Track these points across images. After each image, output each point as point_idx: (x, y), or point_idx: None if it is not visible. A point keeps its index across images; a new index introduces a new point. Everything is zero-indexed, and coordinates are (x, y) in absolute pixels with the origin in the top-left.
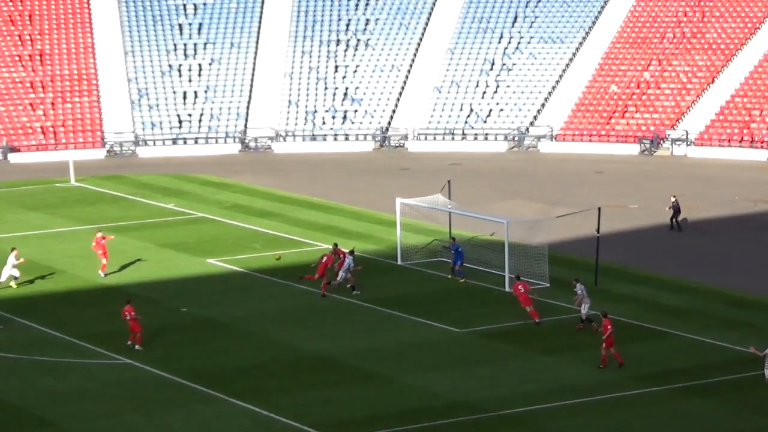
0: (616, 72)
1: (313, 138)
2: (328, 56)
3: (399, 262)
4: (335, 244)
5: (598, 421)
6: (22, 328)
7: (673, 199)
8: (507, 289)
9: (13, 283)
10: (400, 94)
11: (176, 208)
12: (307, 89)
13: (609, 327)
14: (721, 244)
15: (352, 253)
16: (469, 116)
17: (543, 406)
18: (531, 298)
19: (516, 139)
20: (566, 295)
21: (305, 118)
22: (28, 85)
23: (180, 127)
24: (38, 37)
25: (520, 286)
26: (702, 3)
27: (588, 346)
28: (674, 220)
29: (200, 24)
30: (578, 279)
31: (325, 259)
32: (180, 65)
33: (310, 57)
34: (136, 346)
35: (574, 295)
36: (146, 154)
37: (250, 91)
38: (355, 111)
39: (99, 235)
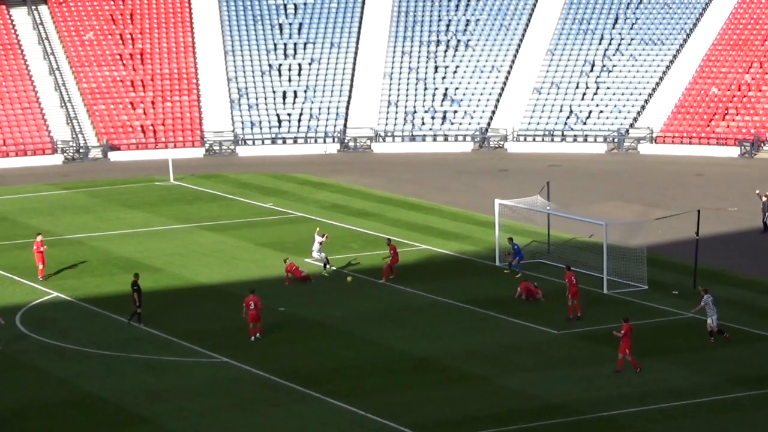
0: (716, 74)
1: (412, 138)
2: (428, 57)
3: (497, 263)
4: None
5: (695, 425)
6: (121, 326)
7: (765, 199)
8: (605, 291)
9: (325, 272)
10: (500, 95)
11: (274, 208)
12: (407, 89)
13: (624, 331)
14: None
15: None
16: (568, 118)
17: (640, 408)
18: (578, 290)
19: (615, 141)
20: (664, 298)
21: (404, 119)
22: (128, 83)
23: (279, 127)
24: (139, 36)
25: (573, 277)
26: None
27: (686, 350)
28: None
29: (300, 24)
30: (707, 290)
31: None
32: (280, 65)
33: (410, 57)
34: (258, 335)
35: (697, 305)
36: (245, 153)
37: (350, 91)
38: (455, 112)
39: (39, 238)
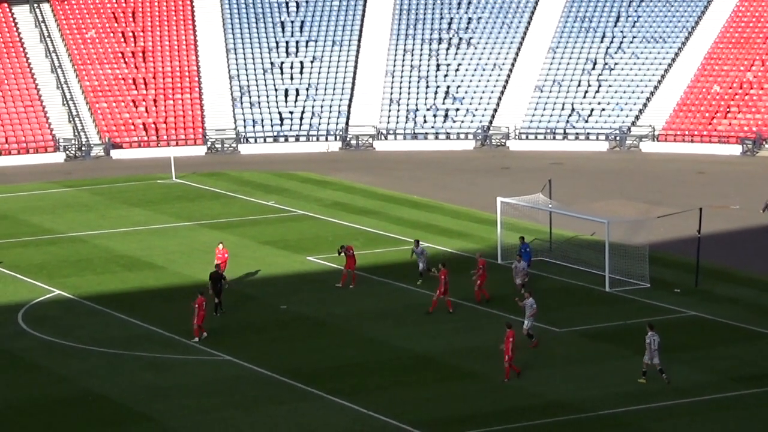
0: (718, 72)
1: (414, 136)
2: (429, 54)
3: (499, 261)
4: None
5: (698, 423)
6: (123, 323)
7: None
8: (607, 289)
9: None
10: (502, 93)
11: (277, 206)
12: (409, 87)
13: (511, 339)
14: None
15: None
16: (570, 115)
17: (642, 406)
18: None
19: (617, 138)
20: (666, 296)
21: (406, 117)
22: (130, 81)
23: (281, 125)
24: (141, 34)
25: (482, 264)
26: None
27: (688, 348)
28: None
29: (302, 22)
30: (652, 326)
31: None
32: (282, 63)
33: (412, 55)
34: (204, 334)
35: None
36: (247, 151)
37: (352, 89)
38: (457, 110)
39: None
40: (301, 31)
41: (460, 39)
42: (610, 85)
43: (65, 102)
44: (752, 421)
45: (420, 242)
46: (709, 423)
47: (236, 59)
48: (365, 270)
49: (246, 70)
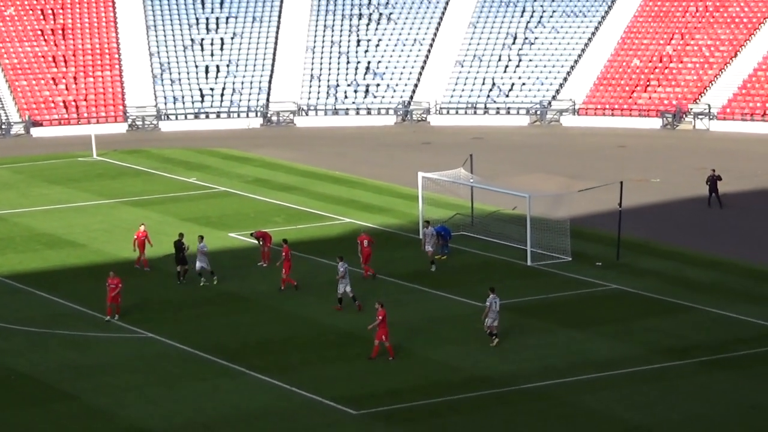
0: (638, 46)
1: (335, 112)
2: (350, 30)
3: (421, 236)
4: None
5: (621, 395)
6: (45, 302)
7: (711, 173)
8: (529, 263)
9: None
10: (422, 68)
11: (198, 182)
12: (329, 63)
13: (381, 317)
14: (744, 219)
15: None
16: (491, 90)
17: (566, 380)
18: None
19: (538, 113)
20: (588, 270)
21: (327, 92)
22: (50, 59)
23: (202, 102)
24: (60, 11)
25: (365, 241)
26: None
27: (610, 321)
28: (713, 194)
29: None
30: (493, 288)
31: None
32: (202, 39)
33: (332, 31)
34: (116, 316)
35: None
36: (168, 128)
37: (272, 65)
38: (377, 85)
39: None
40: (221, 7)
41: (380, 14)
42: (530, 60)
43: None
44: (674, 393)
45: (429, 223)
46: (632, 395)
47: (156, 36)
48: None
49: (166, 46)
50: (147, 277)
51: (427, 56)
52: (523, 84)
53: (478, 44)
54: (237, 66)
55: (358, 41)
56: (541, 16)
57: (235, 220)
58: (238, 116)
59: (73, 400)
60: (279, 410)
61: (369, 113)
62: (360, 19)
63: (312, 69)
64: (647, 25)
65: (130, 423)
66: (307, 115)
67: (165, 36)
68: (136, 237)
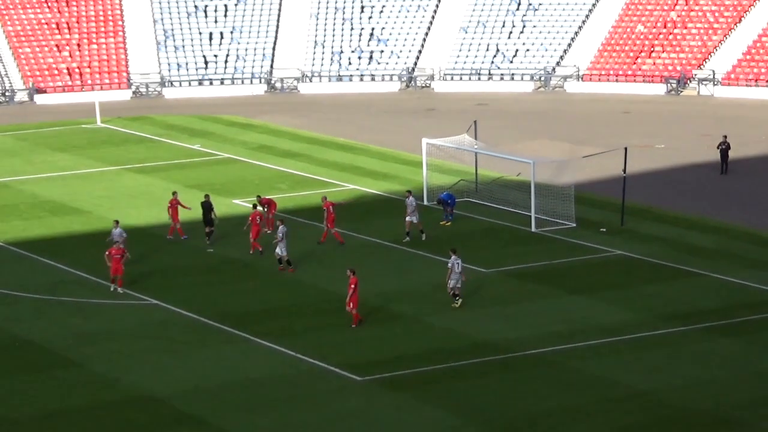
0: (642, 11)
1: (339, 79)
2: None
3: (425, 202)
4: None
5: (625, 361)
6: (49, 269)
7: (723, 139)
8: (533, 229)
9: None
10: (427, 34)
11: (202, 149)
12: (333, 30)
13: (353, 286)
14: (748, 185)
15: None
16: (495, 56)
17: (570, 345)
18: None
19: (542, 79)
20: (592, 236)
21: (331, 59)
22: (54, 26)
23: (206, 68)
24: None
25: (331, 206)
26: None
27: (614, 287)
28: (725, 162)
29: None
30: (454, 250)
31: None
32: (206, 6)
33: None
34: (119, 289)
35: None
36: (172, 95)
37: (276, 31)
38: (381, 51)
39: None
40: None
41: None
42: (534, 26)
43: None
44: (678, 358)
45: (411, 193)
46: (636, 361)
47: (159, 3)
48: (291, 213)
49: (170, 13)
50: (152, 245)
51: (431, 22)
52: (528, 50)
53: (482, 10)
54: (241, 33)
55: (362, 7)
56: None
57: (239, 187)
58: (242, 83)
59: (78, 367)
60: (283, 377)
61: (373, 80)
62: None
63: (316, 35)
64: None
65: (134, 390)
66: (311, 81)
67: (169, 2)
68: (169, 205)
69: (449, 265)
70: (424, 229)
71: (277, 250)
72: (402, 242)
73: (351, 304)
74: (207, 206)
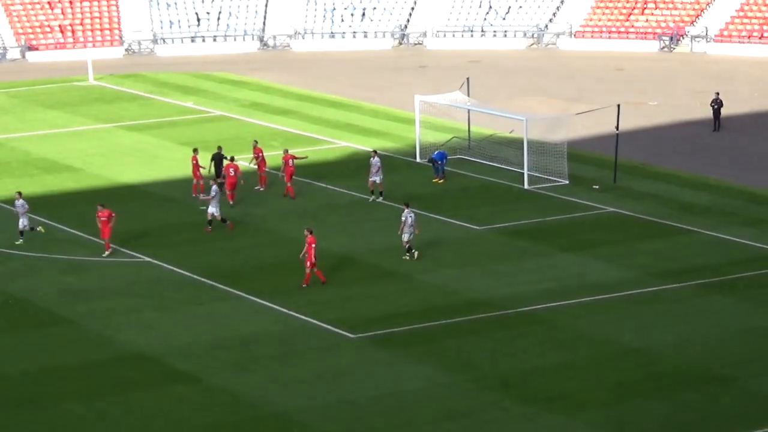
0: None
1: (332, 36)
2: None
3: (418, 159)
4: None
5: (617, 318)
6: (43, 226)
7: (716, 96)
8: (526, 186)
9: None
10: None
11: (195, 107)
12: None
13: (313, 245)
14: (741, 142)
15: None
16: (488, 13)
17: (562, 303)
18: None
19: (535, 36)
20: (585, 192)
21: (324, 16)
22: None
23: (198, 25)
24: None
25: (291, 160)
26: None
27: (607, 244)
28: (717, 118)
29: None
30: (407, 204)
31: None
32: None
33: None
34: (105, 253)
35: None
36: (164, 52)
37: None
38: (374, 8)
39: None
40: None
41: None
42: None
43: None
44: (670, 315)
45: (377, 152)
46: (628, 318)
47: None
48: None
49: None
50: (144, 202)
51: None
52: (520, 7)
53: None
54: None
55: None
56: None
57: (232, 144)
58: (235, 40)
59: (71, 325)
60: (276, 334)
61: (365, 37)
62: None
63: None
64: None
65: (127, 347)
66: (303, 38)
67: None
68: (194, 163)
69: (402, 218)
70: (384, 191)
71: (210, 209)
72: (368, 202)
73: (308, 264)
74: (218, 158)
